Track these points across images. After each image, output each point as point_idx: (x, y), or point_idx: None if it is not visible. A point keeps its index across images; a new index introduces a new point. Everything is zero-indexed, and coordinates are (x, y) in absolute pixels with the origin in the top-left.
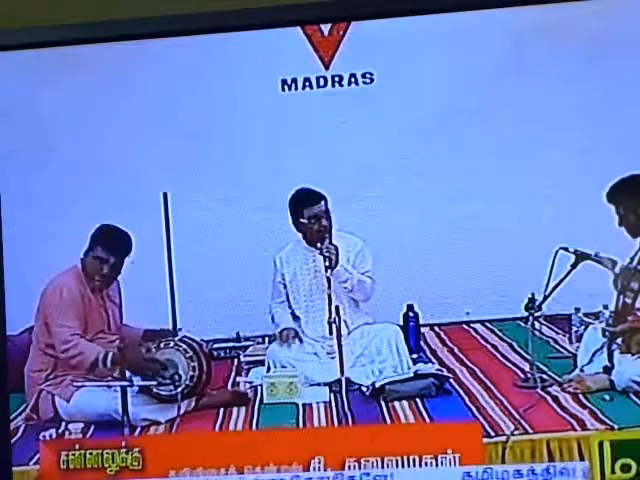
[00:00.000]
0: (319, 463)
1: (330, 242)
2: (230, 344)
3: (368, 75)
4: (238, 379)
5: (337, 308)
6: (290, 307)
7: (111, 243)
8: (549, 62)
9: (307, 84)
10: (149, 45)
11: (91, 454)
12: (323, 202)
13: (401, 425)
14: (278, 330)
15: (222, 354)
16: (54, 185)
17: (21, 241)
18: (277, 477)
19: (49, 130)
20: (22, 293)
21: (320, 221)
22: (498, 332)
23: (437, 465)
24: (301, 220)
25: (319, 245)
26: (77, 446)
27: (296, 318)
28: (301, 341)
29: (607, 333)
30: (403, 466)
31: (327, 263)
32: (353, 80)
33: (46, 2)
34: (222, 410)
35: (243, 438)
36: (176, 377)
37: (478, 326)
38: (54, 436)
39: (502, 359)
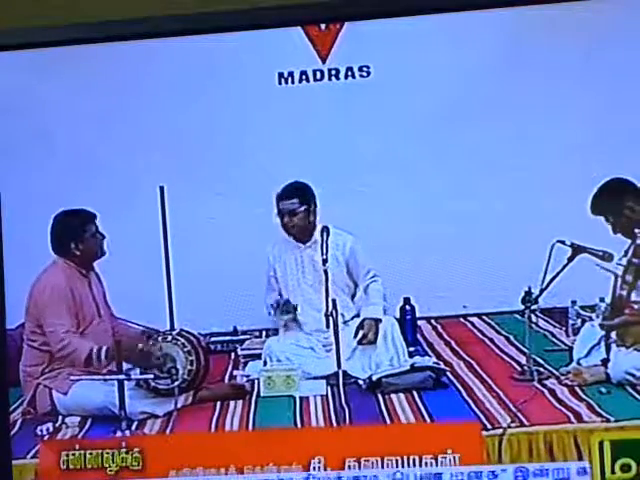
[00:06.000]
0: (319, 463)
1: (310, 237)
2: (227, 338)
3: (365, 69)
4: (235, 372)
5: (334, 301)
6: None
7: (89, 218)
8: (547, 59)
9: (304, 77)
10: (148, 44)
11: (91, 454)
12: (296, 199)
13: (401, 425)
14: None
15: (219, 348)
16: (53, 180)
17: (20, 236)
18: (277, 477)
19: (48, 128)
20: (20, 288)
21: (292, 217)
22: (495, 325)
23: (437, 465)
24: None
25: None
26: (77, 446)
27: None
28: (300, 327)
29: (604, 326)
30: (403, 466)
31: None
32: (350, 74)
33: (46, 2)
34: (219, 403)
35: (243, 438)
36: (173, 371)
37: (475, 319)
38: (51, 430)
39: (499, 352)
